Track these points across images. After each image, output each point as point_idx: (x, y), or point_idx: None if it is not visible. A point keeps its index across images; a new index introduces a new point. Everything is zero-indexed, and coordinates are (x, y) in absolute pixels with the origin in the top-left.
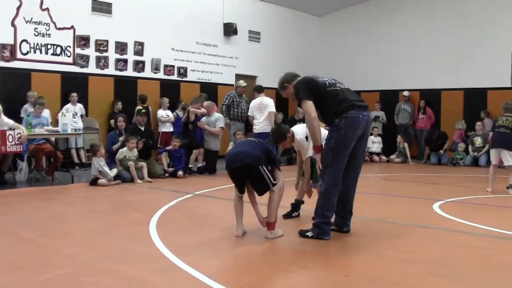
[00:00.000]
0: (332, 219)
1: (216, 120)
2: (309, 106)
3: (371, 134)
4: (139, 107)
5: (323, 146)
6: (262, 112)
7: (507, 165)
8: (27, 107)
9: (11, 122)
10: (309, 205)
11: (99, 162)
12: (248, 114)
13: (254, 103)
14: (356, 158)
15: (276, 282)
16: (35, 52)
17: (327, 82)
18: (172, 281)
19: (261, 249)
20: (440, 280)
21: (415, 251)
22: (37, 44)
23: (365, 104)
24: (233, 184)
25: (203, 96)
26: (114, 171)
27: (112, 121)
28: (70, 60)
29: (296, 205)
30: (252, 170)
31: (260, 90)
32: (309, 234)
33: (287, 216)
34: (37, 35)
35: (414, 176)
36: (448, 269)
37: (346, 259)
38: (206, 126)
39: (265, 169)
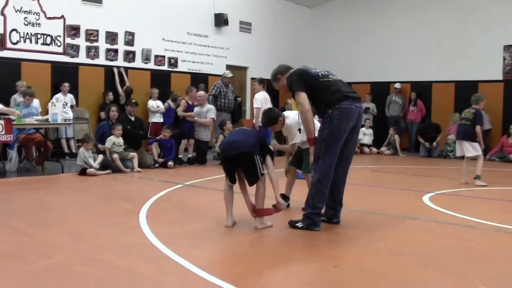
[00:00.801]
0: (323, 211)
1: (208, 111)
2: (303, 97)
3: (363, 126)
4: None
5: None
6: (268, 105)
7: (467, 155)
8: (16, 97)
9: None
10: (299, 197)
11: (85, 153)
12: (256, 106)
13: (262, 95)
14: (347, 150)
15: (266, 273)
16: (25, 41)
17: (319, 74)
18: (162, 271)
19: (251, 240)
20: (429, 272)
21: (405, 242)
22: (27, 33)
23: (358, 96)
24: (224, 174)
25: (201, 87)
26: (99, 158)
27: (102, 113)
28: (61, 49)
29: (285, 197)
30: (247, 159)
31: (264, 82)
32: (299, 225)
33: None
34: (27, 25)
35: (404, 168)
36: (437, 260)
37: (336, 251)
38: (196, 118)
39: (258, 159)
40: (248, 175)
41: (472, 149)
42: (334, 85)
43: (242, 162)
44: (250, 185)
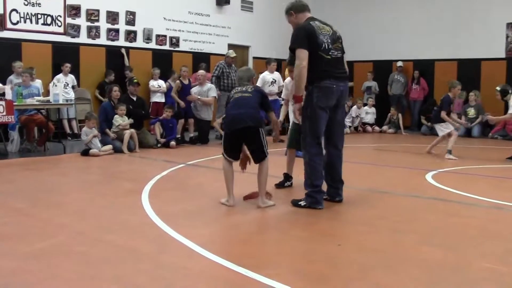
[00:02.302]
0: (324, 189)
1: (209, 89)
2: (304, 54)
3: (366, 105)
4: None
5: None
6: (266, 87)
7: (440, 135)
8: (12, 78)
9: None
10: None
11: (87, 132)
12: (284, 97)
13: (261, 77)
14: (334, 128)
15: (268, 252)
16: (25, 21)
17: (323, 45)
18: (164, 250)
19: (253, 219)
20: (431, 250)
21: (407, 221)
22: (27, 13)
23: (344, 76)
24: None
25: (203, 67)
26: (108, 147)
27: (96, 92)
28: (61, 30)
29: (288, 176)
30: (254, 133)
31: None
32: (302, 203)
33: (280, 185)
34: (27, 5)
35: (406, 146)
36: (439, 238)
37: (339, 229)
38: (198, 97)
39: (263, 133)
40: (255, 152)
41: (442, 129)
42: (326, 64)
43: (249, 137)
44: (256, 162)
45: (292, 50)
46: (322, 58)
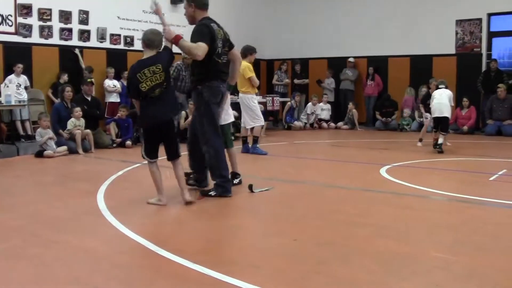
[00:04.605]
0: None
1: None
2: (205, 49)
3: (320, 102)
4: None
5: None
6: None
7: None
8: None
9: None
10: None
11: (41, 133)
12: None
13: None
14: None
15: (224, 248)
16: None
17: (218, 49)
18: (121, 250)
19: (208, 216)
20: (386, 242)
21: (363, 214)
22: None
23: (226, 78)
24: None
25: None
26: (62, 148)
27: (49, 92)
28: (12, 29)
29: (235, 173)
30: (172, 126)
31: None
32: (212, 193)
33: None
34: None
35: (362, 142)
36: (394, 231)
37: (295, 224)
38: None
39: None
40: (172, 146)
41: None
42: (217, 67)
43: (168, 131)
44: (175, 158)
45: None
46: (215, 61)
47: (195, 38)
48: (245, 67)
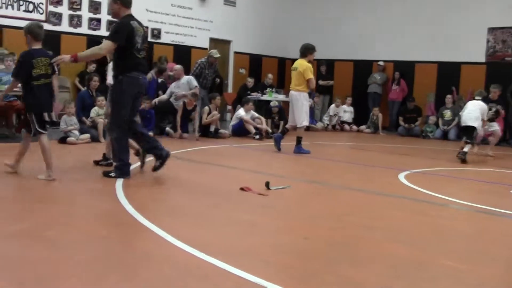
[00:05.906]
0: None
1: (188, 81)
2: (111, 48)
3: (344, 104)
4: None
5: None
6: None
7: None
8: None
9: None
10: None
11: (67, 120)
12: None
13: None
14: (133, 113)
15: (237, 242)
16: (6, 8)
17: (137, 45)
18: (133, 236)
19: (223, 208)
20: (397, 246)
21: (376, 218)
22: (9, 0)
23: (146, 70)
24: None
25: (163, 58)
26: (85, 136)
27: (76, 80)
28: (43, 17)
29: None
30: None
31: None
32: (112, 174)
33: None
34: None
35: (382, 146)
36: (406, 236)
37: (307, 223)
38: (183, 93)
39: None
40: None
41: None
42: (136, 59)
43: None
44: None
45: (107, 38)
46: (134, 55)
47: (110, 32)
48: (307, 67)
